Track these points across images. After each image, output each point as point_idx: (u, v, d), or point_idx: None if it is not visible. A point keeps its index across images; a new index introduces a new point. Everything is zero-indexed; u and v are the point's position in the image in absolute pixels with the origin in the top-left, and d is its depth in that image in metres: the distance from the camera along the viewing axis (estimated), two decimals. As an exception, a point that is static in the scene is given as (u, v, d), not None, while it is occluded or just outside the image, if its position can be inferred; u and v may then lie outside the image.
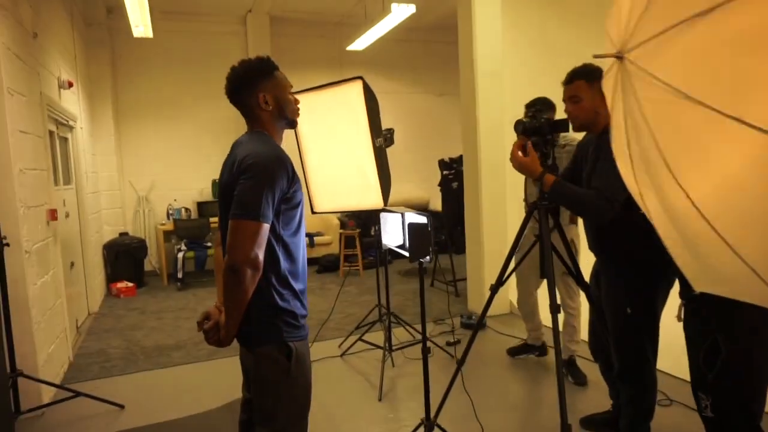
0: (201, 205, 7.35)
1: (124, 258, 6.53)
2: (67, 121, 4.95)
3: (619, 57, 0.95)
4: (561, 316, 3.27)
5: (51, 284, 3.76)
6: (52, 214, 3.85)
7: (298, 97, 3.60)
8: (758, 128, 0.71)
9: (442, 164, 5.92)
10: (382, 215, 2.45)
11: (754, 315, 1.82)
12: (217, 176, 7.67)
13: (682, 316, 2.02)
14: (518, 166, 2.31)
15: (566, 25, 4.99)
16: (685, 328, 2.00)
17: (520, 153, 2.28)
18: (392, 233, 2.33)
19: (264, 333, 1.64)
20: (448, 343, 4.21)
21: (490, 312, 4.79)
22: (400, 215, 2.16)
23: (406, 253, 2.14)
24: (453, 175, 5.77)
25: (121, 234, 6.83)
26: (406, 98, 8.74)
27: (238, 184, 1.58)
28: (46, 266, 3.69)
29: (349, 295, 5.99)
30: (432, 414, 2.56)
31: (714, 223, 0.85)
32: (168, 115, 7.38)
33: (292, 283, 1.67)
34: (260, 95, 1.69)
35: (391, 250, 3.46)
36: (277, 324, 1.64)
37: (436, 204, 7.27)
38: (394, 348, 3.85)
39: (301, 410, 1.72)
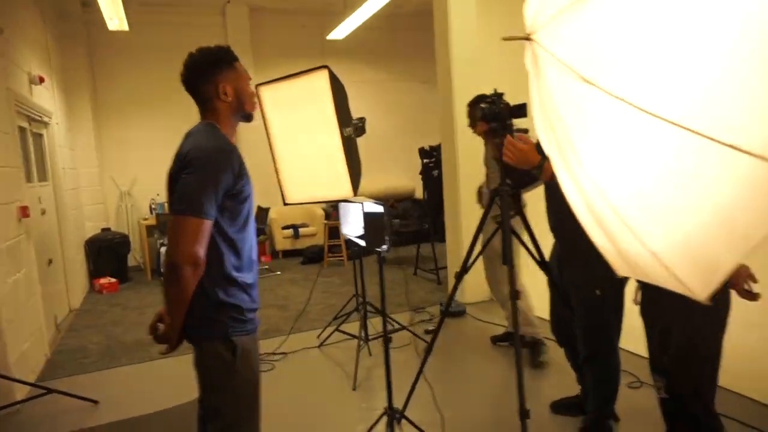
0: (184, 199, 7.31)
1: (106, 254, 6.50)
2: (41, 117, 4.90)
3: (528, 38, 0.94)
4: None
5: (24, 282, 3.73)
6: (23, 212, 3.81)
7: (265, 87, 3.55)
8: (641, 109, 0.70)
9: (423, 152, 5.90)
10: (343, 205, 2.44)
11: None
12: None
13: (639, 300, 2.03)
14: (519, 155, 2.15)
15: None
16: (642, 312, 2.01)
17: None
18: (353, 223, 2.32)
19: (207, 328, 1.62)
20: (427, 332, 4.23)
21: (470, 299, 4.90)
22: (360, 205, 2.14)
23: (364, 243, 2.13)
24: (433, 163, 5.76)
25: (103, 230, 6.80)
26: (391, 87, 8.71)
27: (181, 178, 1.55)
28: (18, 264, 3.66)
29: (331, 286, 5.99)
30: (402, 403, 2.58)
31: (617, 207, 0.84)
32: (149, 109, 7.32)
33: (238, 277, 1.64)
34: (220, 85, 1.65)
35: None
36: (221, 319, 1.61)
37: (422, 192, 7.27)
38: (370, 338, 3.86)
39: (249, 405, 1.70)
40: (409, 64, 8.69)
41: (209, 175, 1.53)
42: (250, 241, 1.72)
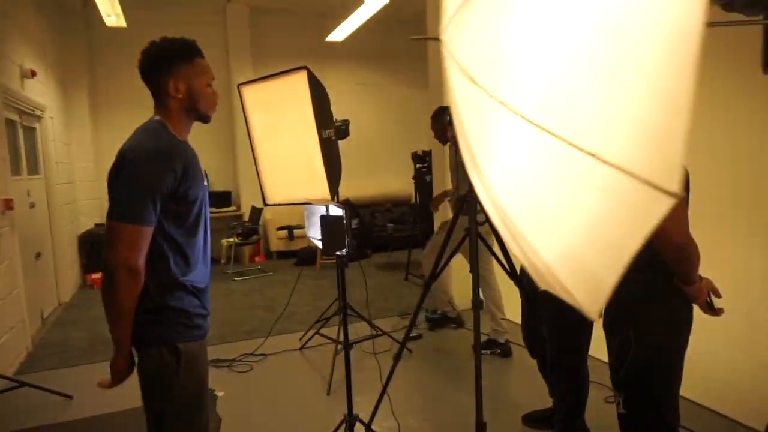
0: (179, 197, 7.32)
1: (99, 249, 6.51)
2: (33, 110, 4.92)
3: (438, 39, 0.91)
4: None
5: (6, 275, 3.74)
6: (8, 204, 3.82)
7: (246, 87, 3.52)
8: (515, 112, 0.67)
9: (416, 157, 5.87)
10: (308, 208, 2.41)
11: (665, 313, 1.79)
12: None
13: (602, 312, 1.99)
14: None
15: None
16: (603, 324, 1.97)
17: None
18: (317, 226, 2.29)
19: (149, 333, 1.55)
20: (410, 338, 4.18)
21: (459, 306, 4.85)
22: (322, 208, 2.12)
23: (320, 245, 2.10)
24: (426, 168, 5.72)
25: (97, 225, 6.81)
26: (390, 90, 8.68)
27: (117, 180, 1.49)
28: (1, 257, 3.67)
29: (321, 288, 5.97)
30: (371, 410, 2.55)
31: (514, 217, 0.81)
32: (147, 107, 7.26)
33: (186, 281, 1.58)
34: (171, 80, 1.58)
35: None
36: (166, 324, 1.56)
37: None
38: (350, 342, 3.82)
39: (193, 413, 1.64)
40: (408, 68, 8.66)
41: (145, 178, 1.47)
42: (200, 244, 1.65)
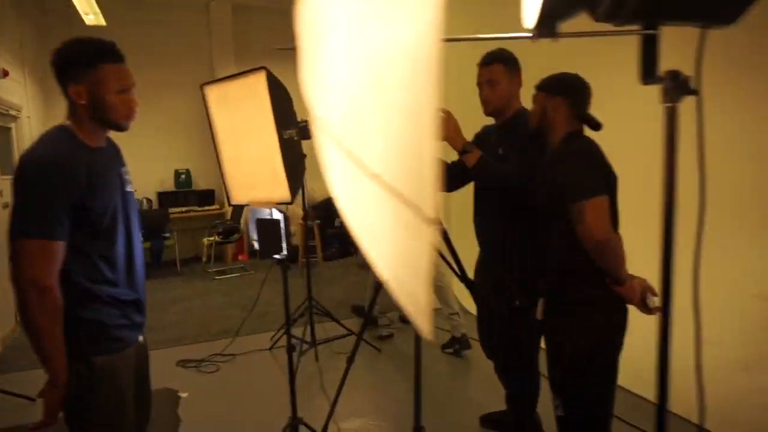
0: (162, 196, 7.30)
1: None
2: (8, 110, 4.90)
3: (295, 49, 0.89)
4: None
5: (-28, 276, 3.73)
6: (-25, 205, 3.81)
7: (209, 87, 3.49)
8: (330, 133, 0.66)
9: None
10: (252, 210, 2.39)
11: (598, 319, 1.78)
12: (179, 166, 7.49)
13: (541, 314, 1.98)
14: (449, 133, 2.21)
15: (505, 24, 4.90)
16: (542, 327, 1.96)
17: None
18: (262, 228, 2.28)
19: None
20: (380, 337, 4.19)
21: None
22: (265, 211, 2.10)
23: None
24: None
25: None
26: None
27: (16, 192, 1.40)
28: (-34, 258, 3.66)
29: (298, 287, 5.93)
30: (328, 411, 2.55)
31: (354, 230, 0.80)
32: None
33: (101, 292, 1.52)
34: (72, 86, 1.46)
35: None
36: (78, 336, 1.48)
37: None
38: (318, 342, 3.83)
39: (112, 428, 1.57)
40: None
41: (45, 189, 1.37)
42: (120, 255, 1.58)
